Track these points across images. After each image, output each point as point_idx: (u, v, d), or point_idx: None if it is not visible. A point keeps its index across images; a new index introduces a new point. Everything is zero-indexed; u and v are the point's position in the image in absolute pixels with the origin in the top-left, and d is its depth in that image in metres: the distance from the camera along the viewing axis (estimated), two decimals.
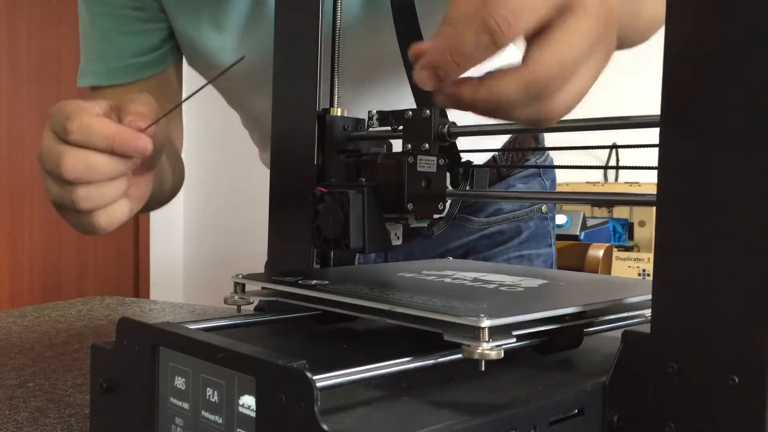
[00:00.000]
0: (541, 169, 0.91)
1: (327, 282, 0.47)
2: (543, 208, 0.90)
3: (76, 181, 0.53)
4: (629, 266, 2.44)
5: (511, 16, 0.36)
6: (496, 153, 0.91)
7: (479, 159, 0.60)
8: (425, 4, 0.69)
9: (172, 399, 0.38)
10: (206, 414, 0.36)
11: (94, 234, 0.58)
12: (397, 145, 0.57)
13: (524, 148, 0.94)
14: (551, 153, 0.98)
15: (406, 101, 0.60)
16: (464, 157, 0.57)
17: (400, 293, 0.44)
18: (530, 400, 0.36)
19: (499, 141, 0.91)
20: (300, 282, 0.47)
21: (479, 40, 0.36)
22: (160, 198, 0.81)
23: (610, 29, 0.39)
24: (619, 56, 0.47)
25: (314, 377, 0.31)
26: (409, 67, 0.66)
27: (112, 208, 0.56)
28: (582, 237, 2.23)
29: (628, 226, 2.55)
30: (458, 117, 0.56)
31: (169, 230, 3.20)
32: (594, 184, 2.43)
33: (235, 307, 0.49)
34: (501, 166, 0.91)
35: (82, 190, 0.54)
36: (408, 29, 0.66)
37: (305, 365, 0.31)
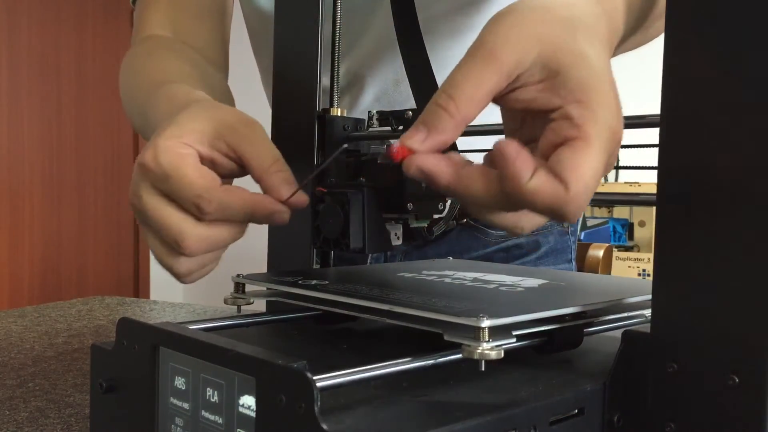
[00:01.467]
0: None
1: (327, 282, 0.47)
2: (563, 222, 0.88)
3: (191, 255, 0.47)
4: (629, 266, 2.44)
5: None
6: None
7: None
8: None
9: (172, 399, 0.38)
10: (206, 414, 0.36)
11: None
12: None
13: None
14: None
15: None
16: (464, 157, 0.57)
17: (400, 293, 0.44)
18: (530, 400, 0.36)
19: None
20: (300, 282, 0.47)
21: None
22: None
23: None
24: (620, 56, 0.47)
25: (314, 377, 0.31)
26: (409, 68, 0.67)
27: (206, 269, 0.50)
28: (582, 237, 2.23)
29: (628, 226, 2.55)
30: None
31: None
32: None
33: (235, 307, 0.49)
34: None
35: (190, 262, 0.48)
36: (409, 38, 0.66)
37: (305, 365, 0.31)
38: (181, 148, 0.46)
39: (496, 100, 0.38)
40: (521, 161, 0.34)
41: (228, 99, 0.74)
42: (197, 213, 0.45)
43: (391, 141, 0.38)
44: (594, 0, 0.40)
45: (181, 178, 0.45)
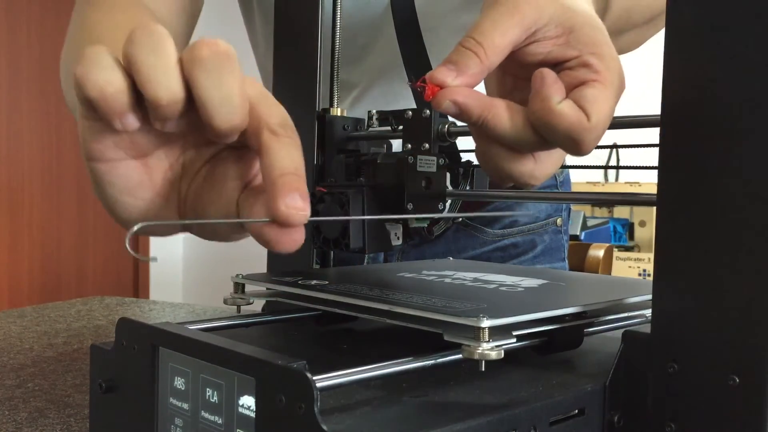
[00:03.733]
0: (558, 182, 0.90)
1: (327, 282, 0.47)
2: (558, 221, 0.89)
3: None
4: (629, 266, 2.44)
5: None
6: None
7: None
8: (427, 19, 0.69)
9: (171, 399, 0.38)
10: (206, 414, 0.36)
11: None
12: (397, 145, 0.57)
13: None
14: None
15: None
16: (464, 157, 0.57)
17: (400, 293, 0.44)
18: (530, 401, 0.35)
19: None
20: (300, 282, 0.47)
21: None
22: None
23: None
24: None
25: (314, 377, 0.31)
26: (410, 69, 0.67)
27: None
28: (582, 237, 2.23)
29: (629, 226, 2.55)
30: None
31: None
32: (594, 184, 2.43)
33: (235, 307, 0.49)
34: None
35: None
36: (413, 48, 0.67)
37: (305, 365, 0.31)
38: None
39: (513, 54, 0.40)
40: (558, 86, 0.38)
41: None
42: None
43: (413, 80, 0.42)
44: None
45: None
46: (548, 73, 0.39)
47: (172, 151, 0.37)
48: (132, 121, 0.33)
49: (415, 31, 0.67)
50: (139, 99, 0.33)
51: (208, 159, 0.37)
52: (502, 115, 0.39)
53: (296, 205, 0.32)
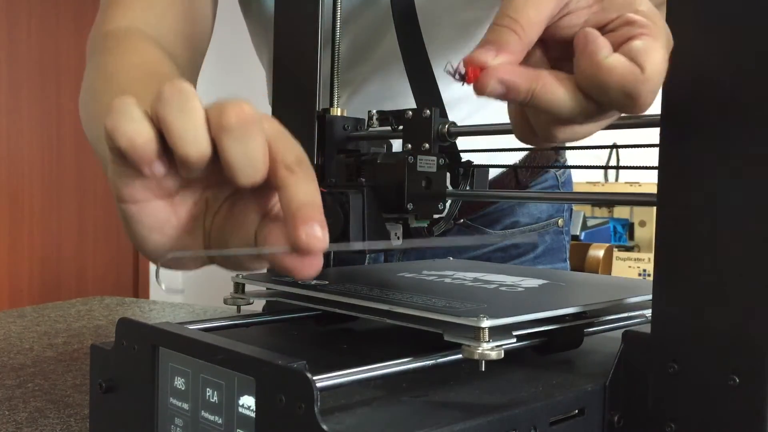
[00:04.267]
0: (559, 182, 0.90)
1: (327, 282, 0.47)
2: (559, 221, 0.89)
3: None
4: (629, 266, 2.44)
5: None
6: (516, 162, 0.90)
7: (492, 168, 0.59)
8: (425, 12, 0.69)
9: (171, 399, 0.38)
10: (206, 414, 0.36)
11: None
12: (397, 145, 0.57)
13: (522, 148, 0.93)
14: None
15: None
16: (464, 157, 0.57)
17: (400, 293, 0.44)
18: (530, 401, 0.35)
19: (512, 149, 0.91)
20: (300, 282, 0.47)
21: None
22: None
23: None
24: None
25: (314, 377, 0.31)
26: (410, 69, 0.67)
27: None
28: (582, 237, 2.23)
29: (629, 226, 2.55)
30: (458, 117, 0.56)
31: None
32: (594, 184, 2.43)
33: (235, 307, 0.49)
34: (520, 167, 0.89)
35: None
36: (413, 46, 0.66)
37: (305, 365, 0.31)
38: None
39: (547, 31, 0.39)
40: (602, 40, 0.36)
41: None
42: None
43: (452, 63, 0.39)
44: None
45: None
46: (590, 31, 0.36)
47: (195, 191, 0.39)
48: (160, 168, 0.36)
49: (415, 28, 0.67)
50: (165, 147, 0.35)
51: (229, 195, 0.39)
52: (552, 84, 0.37)
53: (315, 234, 0.34)
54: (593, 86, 0.36)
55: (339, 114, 0.59)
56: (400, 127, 0.55)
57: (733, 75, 0.34)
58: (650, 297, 0.37)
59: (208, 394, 0.36)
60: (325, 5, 0.58)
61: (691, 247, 0.35)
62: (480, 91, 0.37)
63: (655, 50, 0.35)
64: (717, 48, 0.35)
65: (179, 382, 0.38)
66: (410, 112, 0.53)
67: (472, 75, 0.37)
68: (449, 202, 0.55)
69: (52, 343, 0.82)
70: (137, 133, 0.34)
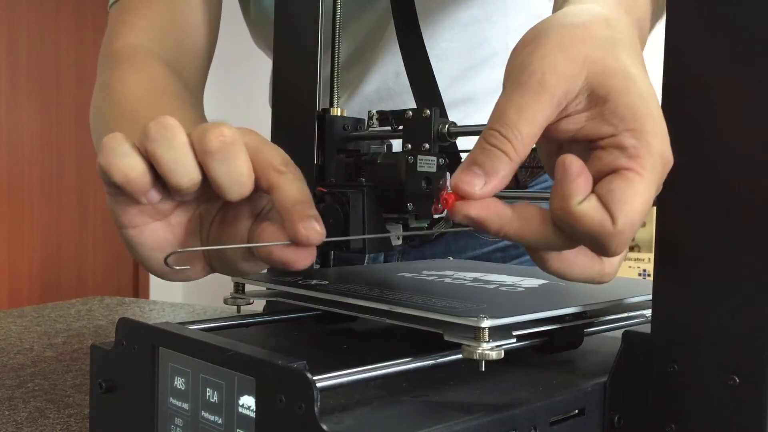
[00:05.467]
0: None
1: (327, 282, 0.47)
2: None
3: None
4: (629, 266, 2.44)
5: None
6: None
7: None
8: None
9: (171, 399, 0.38)
10: (206, 414, 0.36)
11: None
12: (397, 145, 0.57)
13: None
14: None
15: None
16: (464, 157, 0.57)
17: (400, 293, 0.44)
18: (530, 401, 0.35)
19: None
20: (300, 282, 0.47)
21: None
22: None
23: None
24: None
25: (314, 377, 0.31)
26: (410, 69, 0.67)
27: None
28: None
29: None
30: (457, 117, 0.56)
31: None
32: None
33: (235, 307, 0.49)
34: (520, 167, 0.89)
35: None
36: (412, 45, 0.66)
37: (305, 365, 0.31)
38: None
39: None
40: (580, 182, 0.32)
41: None
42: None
43: (443, 182, 0.35)
44: (623, 10, 0.38)
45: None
46: (571, 164, 0.32)
47: (189, 208, 0.42)
48: (154, 195, 0.39)
49: (415, 28, 0.67)
50: (157, 175, 0.38)
51: (221, 206, 0.42)
52: (525, 227, 0.34)
53: (313, 227, 0.37)
54: (563, 226, 0.33)
55: (339, 114, 0.59)
56: (400, 127, 0.55)
57: (734, 74, 0.34)
58: (650, 297, 0.37)
59: (208, 394, 0.36)
60: (325, 6, 0.58)
61: (691, 247, 0.35)
62: (452, 218, 0.35)
63: (634, 196, 0.32)
64: (717, 47, 0.35)
65: (179, 382, 0.38)
66: (410, 112, 0.53)
67: (450, 201, 0.34)
68: None
69: (52, 343, 0.82)
70: (130, 168, 0.37)
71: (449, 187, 0.34)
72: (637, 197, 0.32)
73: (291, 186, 0.38)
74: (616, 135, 0.33)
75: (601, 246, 0.33)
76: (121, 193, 0.38)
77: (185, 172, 0.37)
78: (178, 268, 0.40)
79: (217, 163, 0.37)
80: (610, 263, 0.36)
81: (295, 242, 0.37)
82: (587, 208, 0.32)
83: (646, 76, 0.34)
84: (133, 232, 0.40)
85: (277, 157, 0.39)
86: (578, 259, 0.36)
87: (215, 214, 0.42)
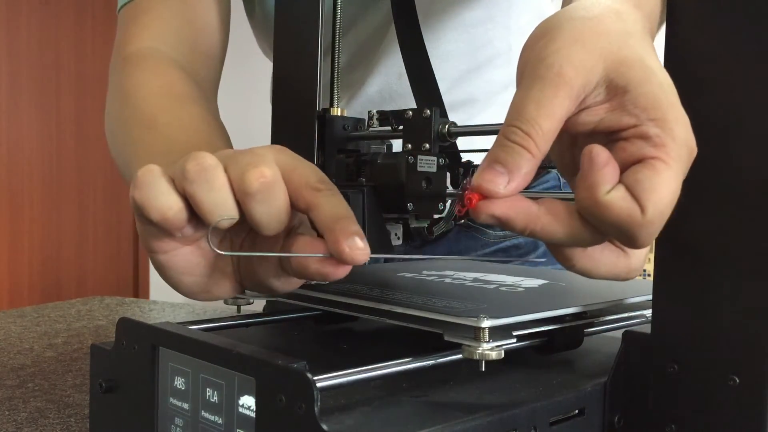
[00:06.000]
0: (561, 182, 0.90)
1: (327, 282, 0.47)
2: None
3: None
4: None
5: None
6: None
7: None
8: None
9: (171, 399, 0.38)
10: (206, 414, 0.36)
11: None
12: (397, 145, 0.57)
13: None
14: None
15: None
16: (464, 157, 0.57)
17: (400, 293, 0.44)
18: (530, 401, 0.35)
19: None
20: None
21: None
22: None
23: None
24: None
25: (314, 377, 0.31)
26: (411, 70, 0.67)
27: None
28: None
29: None
30: (460, 118, 0.56)
31: None
32: None
33: (235, 307, 0.49)
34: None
35: None
36: (413, 46, 0.66)
37: (305, 365, 0.31)
38: None
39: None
40: (608, 171, 0.32)
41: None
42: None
43: (467, 182, 0.34)
44: (632, 4, 0.38)
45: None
46: (597, 154, 0.32)
47: (220, 232, 0.41)
48: (188, 230, 0.38)
49: (416, 30, 0.67)
50: (193, 211, 0.37)
51: (250, 228, 0.40)
52: (552, 223, 0.33)
53: (358, 246, 0.36)
54: (591, 217, 0.33)
55: (339, 114, 0.59)
56: (400, 127, 0.55)
57: (733, 74, 0.34)
58: (650, 297, 0.37)
59: (208, 394, 0.36)
60: (326, 7, 0.58)
61: (691, 247, 0.35)
62: (476, 218, 0.34)
63: (662, 185, 0.31)
64: (717, 46, 0.35)
65: (179, 382, 0.38)
66: (410, 112, 0.53)
67: (474, 200, 0.33)
68: (449, 202, 0.55)
69: (52, 343, 0.82)
70: (167, 207, 0.36)
71: (471, 187, 0.33)
72: (664, 186, 0.31)
73: (330, 203, 0.37)
74: (639, 125, 0.32)
75: (630, 237, 0.32)
76: (154, 226, 0.38)
77: (225, 213, 0.37)
78: (222, 253, 0.39)
79: (256, 203, 0.36)
80: (637, 258, 0.36)
81: (340, 260, 0.37)
82: (616, 198, 0.31)
83: (662, 67, 0.34)
84: (163, 257, 0.40)
85: (312, 175, 0.38)
86: (604, 256, 0.35)
87: (246, 235, 0.42)
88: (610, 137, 0.34)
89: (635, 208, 0.31)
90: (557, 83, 0.32)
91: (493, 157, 0.33)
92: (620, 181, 0.32)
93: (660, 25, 0.47)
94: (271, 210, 0.37)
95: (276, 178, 0.37)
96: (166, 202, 0.36)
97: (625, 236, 0.32)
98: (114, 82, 0.72)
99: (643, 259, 0.36)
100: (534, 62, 0.34)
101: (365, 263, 0.37)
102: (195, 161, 0.37)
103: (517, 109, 0.33)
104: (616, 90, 0.33)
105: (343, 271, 0.37)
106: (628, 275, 0.36)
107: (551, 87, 0.32)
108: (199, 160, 0.37)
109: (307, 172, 0.39)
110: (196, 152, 0.37)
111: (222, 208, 0.36)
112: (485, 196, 0.33)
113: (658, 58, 0.35)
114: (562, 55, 0.33)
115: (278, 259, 0.40)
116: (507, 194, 0.33)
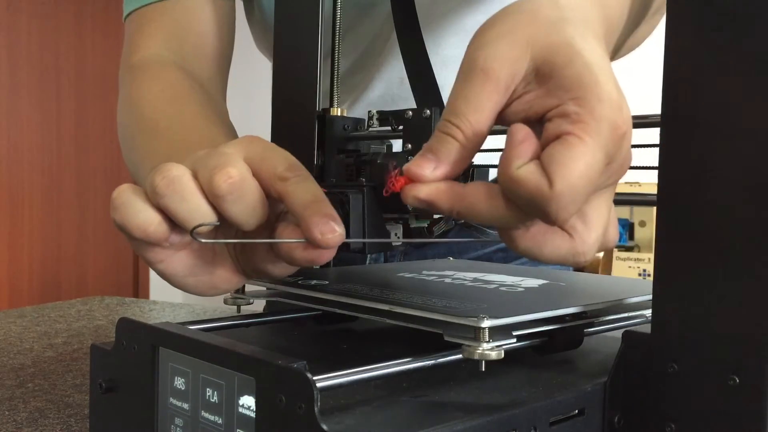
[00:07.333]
0: None
1: (327, 282, 0.47)
2: None
3: None
4: (629, 266, 2.44)
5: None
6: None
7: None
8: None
9: (171, 399, 0.38)
10: (206, 414, 0.36)
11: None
12: (397, 145, 0.57)
13: None
14: None
15: None
16: None
17: (400, 293, 0.44)
18: (530, 401, 0.36)
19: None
20: (300, 282, 0.47)
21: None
22: None
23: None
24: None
25: (314, 377, 0.31)
26: (412, 74, 0.67)
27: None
28: None
29: (629, 226, 2.55)
30: None
31: None
32: None
33: (235, 307, 0.49)
34: None
35: None
36: (414, 51, 0.66)
37: (305, 365, 0.31)
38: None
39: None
40: (523, 148, 0.32)
41: None
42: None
43: (393, 165, 0.36)
44: None
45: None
46: (516, 131, 0.33)
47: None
48: (175, 238, 0.39)
49: (416, 33, 0.67)
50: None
51: None
52: (476, 203, 0.34)
53: (329, 229, 0.37)
54: (508, 193, 0.33)
55: (339, 114, 0.59)
56: (400, 127, 0.55)
57: (733, 74, 0.34)
58: (650, 297, 0.37)
59: (208, 394, 0.36)
60: (326, 7, 0.58)
61: (691, 248, 0.35)
62: (404, 201, 0.35)
63: (573, 159, 0.31)
64: (717, 48, 0.35)
65: (179, 382, 0.38)
66: (410, 112, 0.53)
67: (398, 185, 0.35)
68: None
69: (52, 343, 0.82)
70: (147, 223, 0.38)
71: (399, 171, 0.36)
72: (576, 161, 0.31)
73: (298, 190, 0.38)
74: (561, 104, 0.33)
75: (542, 211, 0.32)
76: (142, 241, 0.39)
77: (202, 218, 0.38)
78: (204, 240, 0.39)
79: (230, 205, 0.37)
80: (582, 241, 0.36)
81: (316, 247, 0.38)
82: (525, 172, 0.32)
83: (597, 48, 0.35)
84: (161, 265, 0.41)
85: (280, 165, 0.39)
86: (547, 238, 0.35)
87: (236, 228, 0.42)
88: (541, 122, 0.34)
89: (543, 182, 0.31)
90: (483, 79, 0.34)
91: (427, 146, 0.35)
92: (539, 159, 0.33)
93: (637, 17, 0.47)
94: (245, 208, 0.38)
95: (243, 176, 0.38)
96: (145, 219, 0.38)
97: (538, 210, 0.33)
98: (122, 91, 0.73)
99: (591, 243, 0.36)
100: (465, 59, 0.35)
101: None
102: (160, 175, 0.37)
103: (449, 104, 0.35)
104: (543, 77, 0.34)
105: (327, 255, 0.38)
106: (575, 259, 0.36)
107: (477, 83, 0.34)
108: (164, 173, 0.37)
109: (275, 162, 0.39)
110: (162, 164, 0.38)
111: (197, 214, 0.37)
112: (412, 180, 0.35)
113: (598, 41, 0.35)
114: (488, 50, 0.34)
115: (270, 246, 0.41)
116: (433, 179, 0.35)
